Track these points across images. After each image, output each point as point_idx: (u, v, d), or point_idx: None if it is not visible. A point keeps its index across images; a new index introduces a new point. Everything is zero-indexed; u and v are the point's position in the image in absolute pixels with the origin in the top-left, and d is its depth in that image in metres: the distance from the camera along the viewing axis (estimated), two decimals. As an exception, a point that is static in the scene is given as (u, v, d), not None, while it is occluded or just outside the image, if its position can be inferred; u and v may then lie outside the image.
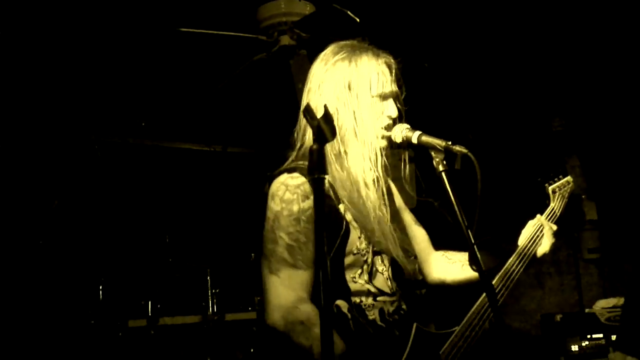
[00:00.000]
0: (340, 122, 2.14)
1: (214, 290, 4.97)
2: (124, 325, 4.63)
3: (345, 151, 2.16)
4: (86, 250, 4.86)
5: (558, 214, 2.47)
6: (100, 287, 4.65)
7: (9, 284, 4.46)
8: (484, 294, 2.17)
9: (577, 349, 4.92)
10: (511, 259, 2.32)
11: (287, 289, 2.00)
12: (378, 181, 2.21)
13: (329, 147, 2.14)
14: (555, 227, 2.41)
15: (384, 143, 2.21)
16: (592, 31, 5.15)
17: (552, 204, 2.49)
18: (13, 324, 4.38)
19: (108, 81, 4.90)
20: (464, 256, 2.43)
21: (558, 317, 5.15)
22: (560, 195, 2.52)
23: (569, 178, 2.56)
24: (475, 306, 2.17)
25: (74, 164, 4.98)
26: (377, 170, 2.19)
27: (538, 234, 2.37)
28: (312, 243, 2.03)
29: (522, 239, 2.38)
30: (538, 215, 2.44)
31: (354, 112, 2.15)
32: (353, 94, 2.16)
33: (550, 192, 2.51)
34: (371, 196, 2.16)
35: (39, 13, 4.21)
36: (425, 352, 2.06)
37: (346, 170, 2.15)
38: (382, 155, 2.19)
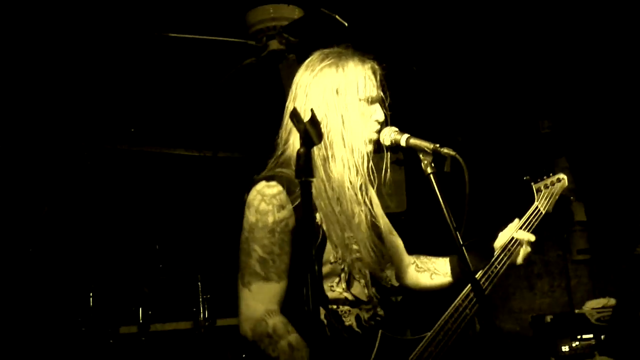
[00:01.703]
0: (329, 127, 2.15)
1: (205, 296, 4.96)
2: (115, 331, 4.62)
3: (332, 155, 2.17)
4: (76, 257, 4.84)
5: (543, 212, 2.45)
6: (91, 294, 4.63)
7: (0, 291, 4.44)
8: (458, 298, 2.19)
9: (567, 349, 4.94)
10: (494, 255, 2.32)
11: (256, 302, 2.04)
12: (363, 186, 2.22)
13: (315, 151, 2.14)
14: (532, 238, 2.38)
15: (370, 148, 2.22)
16: (580, 34, 5.18)
17: (535, 203, 2.48)
18: (4, 331, 4.35)
19: (97, 87, 4.89)
20: (434, 264, 2.48)
21: (548, 318, 5.17)
22: (548, 194, 2.49)
23: (559, 175, 2.53)
24: (448, 311, 2.17)
25: (64, 171, 4.96)
26: (363, 175, 2.19)
27: (511, 247, 2.35)
28: (286, 254, 2.06)
29: (504, 237, 2.39)
30: (516, 220, 2.43)
31: (342, 117, 2.16)
32: (341, 98, 2.17)
33: (535, 190, 2.50)
34: (358, 201, 2.16)
35: (29, 20, 4.20)
36: (392, 358, 2.06)
37: (330, 176, 2.16)
38: (368, 160, 2.20)
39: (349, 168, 2.16)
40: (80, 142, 4.99)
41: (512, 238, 2.36)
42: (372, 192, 2.41)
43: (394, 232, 2.53)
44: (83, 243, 4.91)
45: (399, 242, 2.54)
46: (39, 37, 4.34)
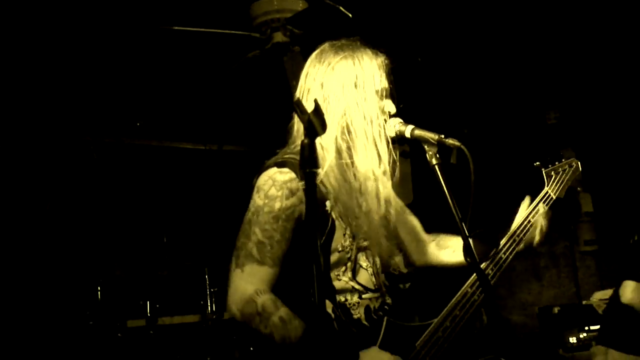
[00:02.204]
0: (350, 120, 2.14)
1: (212, 289, 4.98)
2: (123, 325, 4.64)
3: (354, 146, 2.16)
4: (83, 251, 4.87)
5: (554, 197, 2.42)
6: (99, 288, 4.65)
7: (7, 286, 4.46)
8: (465, 285, 2.18)
9: (574, 340, 4.94)
10: (502, 241, 2.30)
11: (246, 284, 2.03)
12: (383, 176, 2.21)
13: (339, 140, 2.14)
14: (546, 209, 2.36)
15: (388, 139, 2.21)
16: (587, 24, 5.15)
17: (545, 188, 2.44)
18: (12, 326, 4.38)
19: (102, 81, 4.89)
20: (456, 242, 2.44)
21: (555, 309, 5.17)
22: (559, 179, 2.46)
23: (572, 160, 2.49)
24: (455, 297, 2.16)
25: (70, 165, 4.98)
26: (385, 165, 2.19)
27: (530, 218, 2.35)
28: (285, 242, 2.05)
29: (515, 223, 2.36)
30: (527, 198, 2.40)
31: (363, 109, 2.16)
32: (360, 92, 2.17)
33: (545, 176, 2.47)
34: (378, 190, 2.16)
35: (34, 15, 4.21)
36: (399, 345, 2.06)
37: (353, 165, 2.15)
38: (390, 152, 2.19)
39: (371, 158, 2.15)
40: (86, 136, 5.01)
41: (519, 226, 2.34)
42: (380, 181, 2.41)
43: (408, 211, 2.51)
44: (90, 237, 4.93)
45: (415, 221, 2.51)
46: (44, 32, 4.34)
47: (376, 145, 2.16)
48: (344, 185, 2.14)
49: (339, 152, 2.16)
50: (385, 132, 2.19)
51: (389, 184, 2.37)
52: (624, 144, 5.71)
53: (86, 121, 5.03)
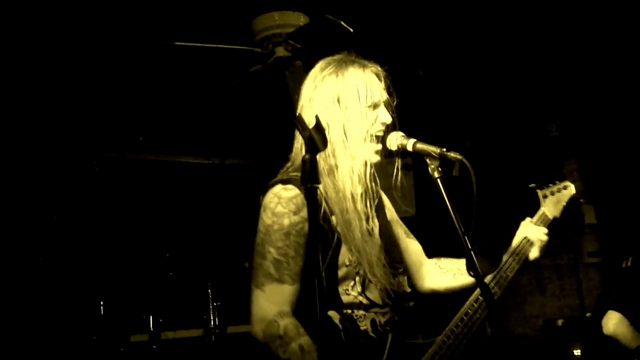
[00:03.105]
0: (331, 136, 2.15)
1: (215, 304, 4.97)
2: (126, 340, 4.63)
3: (336, 164, 2.17)
4: (87, 265, 4.87)
5: (550, 218, 2.46)
6: (102, 303, 4.65)
7: (11, 300, 4.46)
8: (468, 302, 2.18)
9: (579, 353, 4.92)
10: (504, 259, 2.33)
11: (269, 303, 2.03)
12: (366, 194, 2.22)
13: (322, 161, 2.16)
14: (545, 231, 2.39)
15: (377, 158, 2.21)
16: (589, 36, 5.16)
17: (542, 209, 2.48)
18: (16, 340, 4.37)
19: (105, 96, 4.91)
20: (456, 264, 2.46)
21: (560, 322, 5.15)
22: (554, 200, 2.50)
23: (566, 182, 2.54)
24: (458, 314, 2.17)
25: (73, 179, 4.99)
26: (366, 184, 2.19)
27: (529, 237, 2.37)
28: (300, 257, 2.06)
29: (514, 241, 2.39)
30: (528, 219, 2.45)
31: (344, 126, 2.16)
32: (342, 107, 2.17)
33: (541, 197, 2.51)
34: (359, 210, 2.16)
35: (38, 30, 4.24)
36: None
37: (337, 184, 2.16)
38: (371, 167, 2.20)
39: (350, 177, 2.16)
40: (89, 150, 5.02)
41: (519, 244, 2.37)
42: (384, 197, 2.41)
43: (412, 236, 2.52)
44: (93, 251, 4.94)
45: (417, 246, 2.52)
46: (48, 47, 4.37)
47: (356, 163, 2.16)
48: (340, 202, 2.15)
49: (329, 170, 2.17)
50: (374, 149, 2.19)
51: (384, 200, 2.38)
52: (627, 155, 5.71)
53: (89, 135, 5.04)
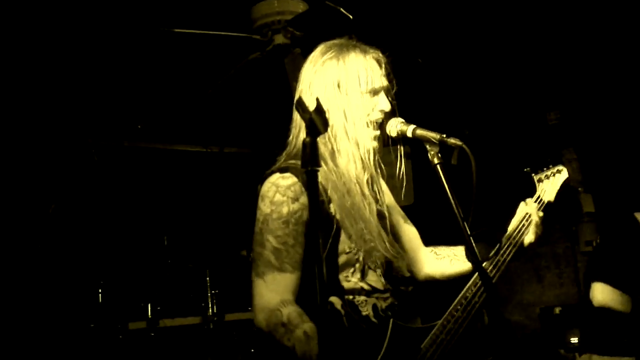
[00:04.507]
0: (332, 121, 2.15)
1: (213, 291, 4.98)
2: (124, 327, 4.64)
3: (337, 149, 2.17)
4: (85, 253, 4.86)
5: (545, 202, 2.46)
6: (100, 290, 4.65)
7: (9, 289, 4.46)
8: (467, 287, 2.19)
9: (576, 341, 4.93)
10: (502, 241, 2.33)
11: (271, 292, 2.03)
12: (371, 179, 2.22)
13: (322, 146, 2.15)
14: (541, 214, 2.38)
15: (375, 144, 2.21)
16: (588, 24, 5.15)
17: (537, 193, 2.49)
18: (13, 329, 4.38)
19: (103, 84, 4.89)
20: (452, 251, 2.47)
21: (557, 310, 5.16)
22: (549, 184, 2.51)
23: (559, 167, 2.55)
24: (457, 299, 2.17)
25: (71, 168, 4.98)
26: (369, 168, 2.20)
27: (525, 222, 2.37)
28: (300, 245, 2.06)
29: (511, 225, 2.39)
30: (524, 202, 2.44)
31: (344, 111, 2.16)
32: (342, 92, 2.17)
33: (536, 181, 2.52)
34: (364, 194, 2.17)
35: (35, 17, 4.21)
36: (405, 347, 2.07)
37: (338, 169, 2.16)
38: (374, 153, 2.20)
39: (355, 162, 2.17)
40: (87, 139, 5.01)
41: (518, 224, 2.37)
42: (383, 184, 2.42)
43: (409, 222, 2.52)
44: (91, 240, 4.93)
45: (414, 232, 2.53)
46: (45, 35, 4.35)
47: (358, 148, 2.16)
48: (339, 188, 2.15)
49: (330, 154, 2.17)
50: (372, 134, 2.19)
51: (382, 185, 2.38)
52: (626, 144, 5.71)
53: (87, 124, 5.03)
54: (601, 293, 3.77)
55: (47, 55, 4.53)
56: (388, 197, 2.44)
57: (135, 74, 4.85)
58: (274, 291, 2.03)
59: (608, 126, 5.84)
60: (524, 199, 2.46)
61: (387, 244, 2.17)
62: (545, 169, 2.55)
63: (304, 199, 2.07)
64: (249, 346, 4.92)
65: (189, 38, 4.31)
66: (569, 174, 2.56)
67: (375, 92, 2.20)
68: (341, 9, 3.87)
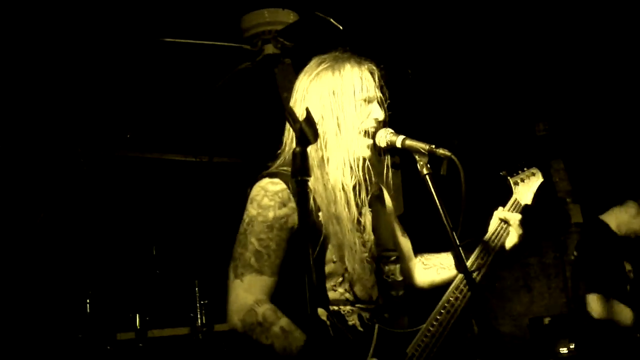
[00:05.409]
0: (324, 128, 2.17)
1: (202, 302, 4.96)
2: (112, 338, 4.61)
3: (327, 158, 2.19)
4: (73, 263, 4.84)
5: (522, 205, 2.46)
6: (88, 300, 4.62)
7: (-4, 298, 4.43)
8: (449, 291, 2.19)
9: (566, 351, 4.94)
10: (474, 252, 2.31)
11: (246, 293, 2.05)
12: (359, 186, 2.23)
13: (313, 153, 2.17)
14: (519, 216, 2.37)
15: (368, 153, 2.22)
16: (576, 36, 5.20)
17: (514, 196, 2.49)
18: (1, 339, 4.34)
19: (93, 93, 4.88)
20: (438, 259, 2.49)
21: (546, 320, 5.17)
22: (525, 186, 2.51)
23: (533, 169, 2.57)
24: (440, 303, 2.18)
25: (60, 177, 4.96)
26: (357, 176, 2.20)
27: (503, 225, 2.36)
28: (282, 251, 2.08)
29: (490, 229, 2.38)
30: (500, 208, 2.43)
31: (337, 118, 2.18)
32: (337, 99, 2.19)
33: (512, 184, 2.52)
34: (349, 199, 2.18)
35: (26, 26, 4.21)
36: (391, 352, 2.08)
37: (326, 177, 2.17)
38: (364, 162, 2.21)
39: (342, 169, 2.18)
40: (76, 148, 4.99)
41: (495, 228, 2.36)
42: (385, 192, 2.44)
43: (405, 235, 2.55)
44: (80, 249, 4.91)
45: (408, 245, 2.56)
46: (36, 43, 4.34)
47: (349, 156, 2.18)
48: (326, 197, 2.16)
49: (319, 162, 2.19)
50: (365, 143, 2.20)
51: (383, 194, 2.39)
52: (614, 154, 5.75)
53: (76, 133, 5.01)
54: (599, 305, 3.78)
55: (36, 64, 4.52)
56: (389, 205, 2.47)
57: (125, 83, 4.85)
58: (249, 292, 2.04)
59: (596, 137, 5.88)
60: (502, 203, 2.48)
61: (357, 252, 2.17)
62: (520, 172, 2.57)
63: (291, 206, 2.09)
64: (237, 357, 4.90)
65: (180, 47, 4.31)
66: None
67: (369, 101, 2.22)
68: (331, 20, 3.89)
